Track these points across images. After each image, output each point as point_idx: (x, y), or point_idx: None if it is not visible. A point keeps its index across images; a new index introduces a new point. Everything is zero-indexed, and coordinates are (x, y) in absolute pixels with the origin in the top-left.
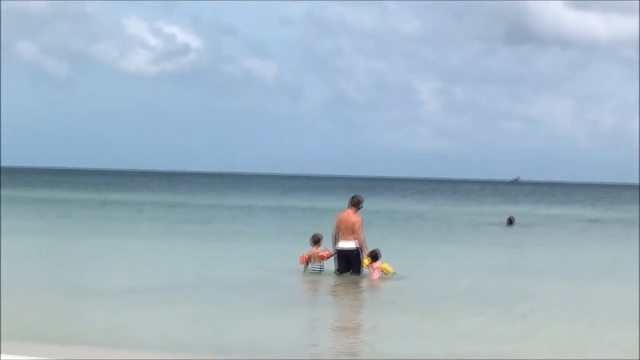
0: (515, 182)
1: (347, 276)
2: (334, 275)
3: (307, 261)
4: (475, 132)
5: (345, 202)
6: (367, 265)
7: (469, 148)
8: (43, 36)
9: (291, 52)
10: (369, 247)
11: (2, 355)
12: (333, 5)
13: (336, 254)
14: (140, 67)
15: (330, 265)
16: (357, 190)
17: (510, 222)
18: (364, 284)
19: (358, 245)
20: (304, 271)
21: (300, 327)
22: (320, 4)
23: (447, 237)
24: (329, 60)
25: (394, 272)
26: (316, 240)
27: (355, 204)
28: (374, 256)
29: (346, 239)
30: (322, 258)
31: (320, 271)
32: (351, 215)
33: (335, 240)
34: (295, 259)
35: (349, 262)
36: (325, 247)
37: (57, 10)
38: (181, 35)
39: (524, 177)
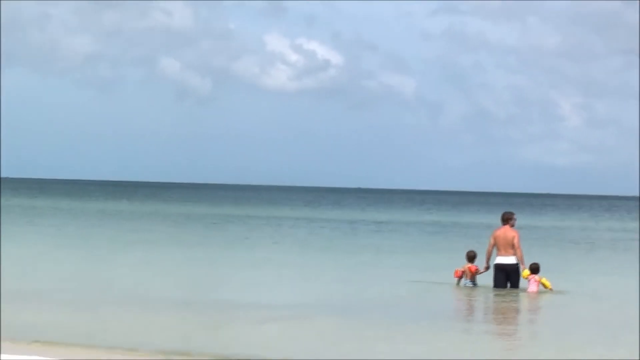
0: None
1: (505, 290)
2: (491, 289)
3: (461, 276)
4: (618, 148)
5: (487, 216)
6: (526, 277)
7: (611, 163)
8: (186, 53)
9: (431, 67)
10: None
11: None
12: (473, 21)
13: (494, 269)
14: (281, 83)
15: (484, 280)
16: (498, 206)
17: None
18: (523, 298)
19: (517, 260)
20: (457, 285)
21: (454, 342)
22: (460, 20)
23: (591, 254)
24: (468, 75)
25: (551, 288)
26: (471, 257)
27: (508, 219)
28: (535, 269)
29: (506, 253)
30: (470, 271)
31: (474, 285)
32: (509, 231)
33: (489, 256)
34: (449, 273)
35: (507, 277)
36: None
37: (201, 28)
38: (321, 51)
39: None
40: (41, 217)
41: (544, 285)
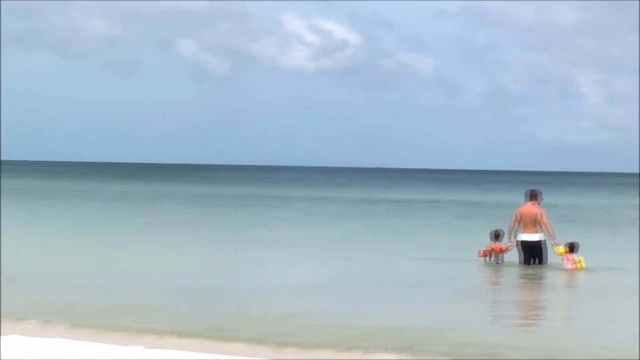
0: None
1: (535, 266)
2: (519, 266)
3: (486, 254)
4: (638, 124)
5: (508, 195)
6: (562, 253)
7: (632, 141)
8: (204, 35)
9: (448, 45)
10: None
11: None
12: None
13: (520, 246)
14: (298, 63)
15: (509, 257)
16: (518, 185)
17: None
18: (553, 274)
19: (545, 236)
20: (484, 263)
21: (481, 321)
22: None
23: (613, 232)
24: (486, 53)
25: (582, 266)
26: (496, 235)
27: (533, 196)
28: (572, 247)
29: (529, 231)
30: (501, 250)
31: (499, 263)
32: (533, 208)
33: (511, 232)
34: (472, 251)
35: (533, 254)
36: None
37: (217, 9)
38: (339, 31)
39: None
40: (60, 199)
41: (579, 265)
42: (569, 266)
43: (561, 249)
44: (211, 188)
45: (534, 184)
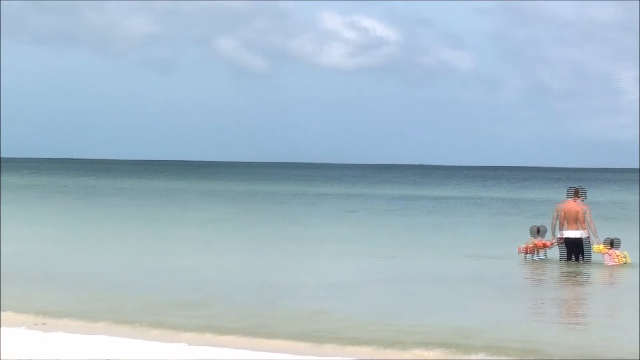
0: None
1: (576, 263)
2: (560, 263)
3: (527, 251)
4: None
5: (548, 192)
6: (601, 251)
7: None
8: (242, 32)
9: (487, 42)
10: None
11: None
12: None
13: (563, 243)
14: (337, 60)
15: (552, 253)
16: (559, 182)
17: None
18: (596, 271)
19: (587, 234)
20: (525, 260)
21: (522, 318)
22: None
23: None
24: (525, 49)
25: (627, 262)
26: (538, 231)
27: (575, 193)
28: (612, 243)
29: (572, 227)
30: (544, 246)
31: (541, 259)
32: (575, 205)
33: (554, 229)
34: (512, 248)
35: (576, 250)
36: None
37: (256, 7)
38: (377, 28)
39: None
40: (103, 196)
41: (624, 259)
42: (610, 262)
43: (600, 247)
44: (249, 185)
45: (574, 180)
